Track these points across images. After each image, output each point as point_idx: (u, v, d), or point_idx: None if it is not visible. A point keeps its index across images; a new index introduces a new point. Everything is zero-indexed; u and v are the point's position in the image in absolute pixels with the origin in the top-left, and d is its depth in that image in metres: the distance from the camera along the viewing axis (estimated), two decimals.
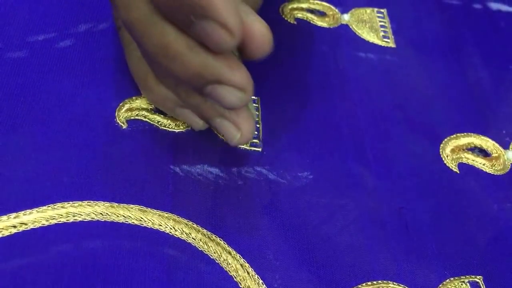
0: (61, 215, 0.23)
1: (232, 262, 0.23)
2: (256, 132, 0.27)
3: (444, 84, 0.33)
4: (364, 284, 0.24)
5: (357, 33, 0.34)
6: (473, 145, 0.30)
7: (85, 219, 0.23)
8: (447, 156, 0.29)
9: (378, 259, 0.24)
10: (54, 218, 0.23)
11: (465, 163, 0.29)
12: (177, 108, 0.25)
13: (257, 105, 0.28)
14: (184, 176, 0.25)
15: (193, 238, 0.23)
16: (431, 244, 0.25)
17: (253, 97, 0.28)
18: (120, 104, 0.27)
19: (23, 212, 0.22)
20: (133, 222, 0.23)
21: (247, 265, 0.23)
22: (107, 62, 0.28)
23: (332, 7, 0.35)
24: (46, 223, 0.22)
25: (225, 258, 0.23)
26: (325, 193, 0.26)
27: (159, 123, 0.27)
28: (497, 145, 0.30)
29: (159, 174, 0.25)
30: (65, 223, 0.23)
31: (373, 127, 0.29)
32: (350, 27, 0.34)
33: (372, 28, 0.35)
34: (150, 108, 0.27)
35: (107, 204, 0.23)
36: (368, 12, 0.36)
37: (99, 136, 0.25)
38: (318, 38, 0.33)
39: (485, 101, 0.32)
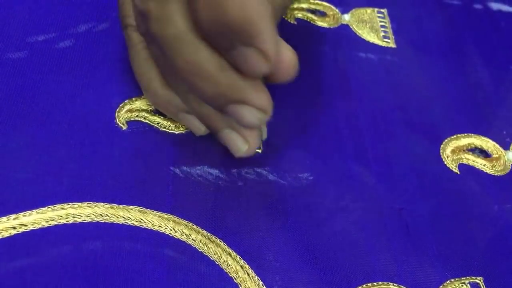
0: (61, 216, 0.23)
1: (232, 264, 0.23)
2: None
3: (444, 84, 0.33)
4: (364, 285, 0.24)
5: (357, 33, 0.34)
6: (473, 146, 0.30)
7: (85, 220, 0.23)
8: (447, 157, 0.29)
9: (378, 260, 0.24)
10: (53, 220, 0.22)
11: (465, 164, 0.29)
12: (180, 113, 0.25)
13: None
14: (184, 177, 0.25)
15: (193, 239, 0.23)
16: (432, 245, 0.25)
17: None
18: (120, 105, 0.27)
19: (22, 213, 0.22)
20: (133, 224, 0.23)
21: (247, 266, 0.23)
22: (107, 63, 0.28)
23: (333, 7, 0.35)
24: (46, 225, 0.22)
25: (225, 259, 0.23)
26: (325, 194, 0.26)
27: (159, 124, 0.27)
28: (497, 145, 0.30)
29: (159, 175, 0.25)
30: (65, 224, 0.23)
31: (373, 127, 0.29)
32: (351, 27, 0.34)
33: (372, 28, 0.35)
34: (150, 110, 0.27)
35: (107, 205, 0.23)
36: (368, 12, 0.36)
37: (99, 137, 0.25)
38: (319, 38, 0.33)
39: (485, 101, 0.32)
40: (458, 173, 0.28)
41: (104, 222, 0.23)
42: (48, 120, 0.25)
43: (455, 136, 0.30)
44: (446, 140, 0.30)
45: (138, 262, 0.22)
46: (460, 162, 0.29)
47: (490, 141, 0.30)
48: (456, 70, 0.34)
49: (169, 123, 0.27)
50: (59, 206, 0.23)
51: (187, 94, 0.24)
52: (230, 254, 0.23)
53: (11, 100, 0.26)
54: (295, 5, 0.34)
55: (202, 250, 0.23)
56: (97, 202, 0.23)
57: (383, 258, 0.24)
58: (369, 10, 0.36)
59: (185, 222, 0.24)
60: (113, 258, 0.22)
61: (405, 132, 0.29)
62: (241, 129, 0.24)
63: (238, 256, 0.23)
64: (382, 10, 0.36)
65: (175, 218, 0.24)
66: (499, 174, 0.29)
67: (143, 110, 0.27)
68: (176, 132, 0.27)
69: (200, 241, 0.23)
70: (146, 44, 0.24)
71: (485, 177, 0.29)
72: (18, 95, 0.26)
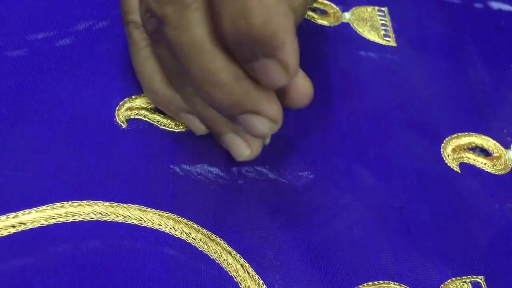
0: (60, 214, 0.23)
1: (232, 262, 0.23)
2: None
3: (445, 83, 0.33)
4: (365, 284, 0.24)
5: (358, 32, 0.34)
6: (474, 145, 0.30)
7: (84, 219, 0.23)
8: (448, 156, 0.29)
9: (379, 259, 0.24)
10: (53, 218, 0.22)
11: (466, 163, 0.29)
12: (180, 113, 0.25)
13: None
14: (184, 175, 0.25)
15: (193, 238, 0.23)
16: (433, 243, 0.25)
17: None
18: (120, 103, 0.27)
19: (22, 211, 0.22)
20: (133, 222, 0.23)
21: (247, 265, 0.23)
22: (107, 61, 0.28)
23: (333, 5, 0.35)
24: (45, 223, 0.22)
25: (225, 258, 0.23)
26: (325, 192, 0.26)
27: (159, 122, 0.26)
28: (498, 144, 0.30)
29: (159, 174, 0.25)
30: (64, 223, 0.22)
31: (374, 126, 0.29)
32: (351, 25, 0.34)
33: (373, 26, 0.35)
34: (150, 108, 0.27)
35: (107, 203, 0.23)
36: (369, 11, 0.35)
37: (98, 135, 0.25)
38: (319, 37, 0.33)
39: (486, 100, 0.32)
40: (459, 172, 0.28)
41: (104, 221, 0.23)
42: (47, 118, 0.25)
43: (455, 135, 0.30)
44: (447, 139, 0.30)
45: (137, 260, 0.22)
46: (461, 161, 0.29)
47: (491, 140, 0.30)
48: (456, 68, 0.33)
49: (169, 121, 0.27)
50: (58, 204, 0.23)
51: (193, 97, 0.23)
52: (230, 253, 0.23)
53: (10, 99, 0.26)
54: None
55: (202, 249, 0.23)
56: (96, 200, 0.23)
57: (383, 257, 0.24)
58: (369, 8, 0.36)
59: (185, 220, 0.24)
60: (112, 257, 0.22)
61: (406, 131, 0.29)
62: (245, 134, 0.24)
63: (238, 254, 0.23)
64: (383, 9, 0.36)
65: (175, 216, 0.24)
66: (499, 173, 0.29)
67: (143, 108, 0.27)
68: (176, 130, 0.26)
69: (200, 240, 0.23)
70: (151, 43, 0.24)
71: (486, 176, 0.29)
72: (17, 93, 0.26)
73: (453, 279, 0.24)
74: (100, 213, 0.23)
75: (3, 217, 0.22)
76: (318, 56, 0.32)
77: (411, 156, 0.28)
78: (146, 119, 0.26)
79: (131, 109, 0.27)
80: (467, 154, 0.29)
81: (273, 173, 0.26)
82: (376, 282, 0.24)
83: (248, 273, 0.23)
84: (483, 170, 0.29)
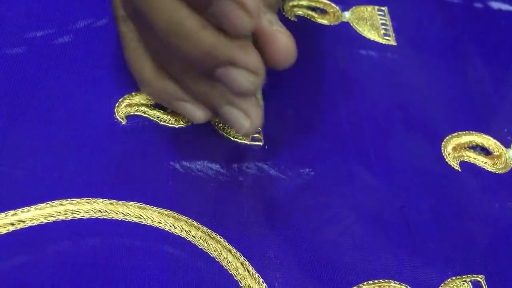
0: (60, 212, 0.22)
1: (232, 261, 0.23)
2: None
3: (445, 82, 0.33)
4: (365, 283, 0.23)
5: (358, 31, 0.34)
6: (474, 144, 0.30)
7: (83, 216, 0.23)
8: (448, 155, 0.29)
9: (379, 257, 0.24)
10: (52, 216, 0.22)
11: (466, 162, 0.29)
12: (174, 101, 0.25)
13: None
14: (184, 172, 0.25)
15: (193, 236, 0.23)
16: (433, 243, 0.25)
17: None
18: (120, 100, 0.27)
19: (21, 209, 0.22)
20: (133, 220, 0.23)
21: (247, 263, 0.23)
22: (106, 58, 0.28)
23: (333, 4, 0.35)
24: (45, 221, 0.22)
25: (225, 256, 0.23)
26: (326, 191, 0.26)
27: (159, 118, 0.26)
28: (498, 143, 0.30)
29: (159, 171, 0.25)
30: (63, 220, 0.22)
31: (374, 125, 0.29)
32: (351, 24, 0.34)
33: (373, 26, 0.34)
34: (150, 104, 0.27)
35: (106, 201, 0.23)
36: (369, 10, 0.35)
37: (98, 132, 0.25)
38: (319, 36, 0.33)
39: (486, 99, 0.32)
40: (459, 170, 0.28)
41: (103, 218, 0.23)
42: (47, 115, 0.25)
43: (456, 134, 0.30)
44: (447, 138, 0.29)
45: (137, 258, 0.22)
46: (461, 159, 0.29)
47: (491, 139, 0.30)
48: (456, 68, 0.33)
49: (169, 117, 0.26)
50: (57, 202, 0.23)
51: (182, 75, 0.23)
52: (230, 251, 0.23)
53: (9, 96, 0.26)
54: (296, 2, 0.34)
55: (202, 247, 0.23)
56: (96, 198, 0.23)
57: (384, 255, 0.24)
58: (369, 8, 0.36)
59: (185, 218, 0.23)
60: (112, 255, 0.22)
61: (406, 130, 0.29)
62: (241, 104, 0.23)
63: (238, 252, 0.23)
64: (383, 8, 0.36)
65: (175, 214, 0.23)
66: (500, 172, 0.29)
67: (142, 105, 0.27)
68: (176, 126, 0.26)
69: (200, 238, 0.23)
70: (136, 28, 0.24)
71: (486, 175, 0.29)
72: (16, 91, 0.26)
73: (453, 278, 0.24)
74: (100, 210, 0.23)
75: (2, 215, 0.22)
76: (318, 55, 0.32)
77: (411, 155, 0.28)
78: (146, 115, 0.26)
79: (130, 105, 0.26)
80: (468, 153, 0.29)
81: (274, 170, 0.26)
82: (376, 281, 0.24)
83: (248, 271, 0.23)
84: (484, 169, 0.29)
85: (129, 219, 0.23)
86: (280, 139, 0.27)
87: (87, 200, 0.23)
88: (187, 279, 0.22)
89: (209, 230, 0.23)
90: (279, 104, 0.29)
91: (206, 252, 0.23)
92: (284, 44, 0.22)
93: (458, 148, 0.29)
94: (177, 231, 0.23)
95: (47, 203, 0.23)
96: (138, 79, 0.25)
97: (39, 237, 0.22)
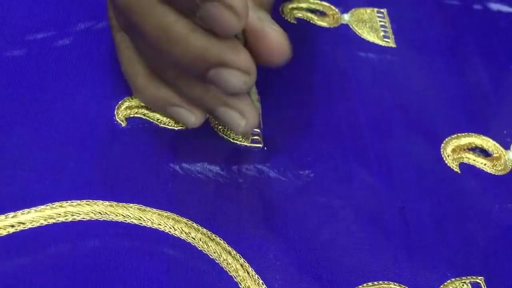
0: (60, 214, 0.23)
1: (232, 262, 0.23)
2: (257, 130, 0.27)
3: (444, 84, 0.33)
4: (365, 284, 0.23)
5: (357, 33, 0.34)
6: (474, 145, 0.30)
7: (83, 218, 0.23)
8: (448, 156, 0.29)
9: (379, 259, 0.24)
10: (52, 218, 0.22)
11: (466, 163, 0.29)
12: (168, 107, 0.25)
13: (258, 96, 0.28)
14: (184, 174, 0.25)
15: (192, 238, 0.23)
16: (432, 244, 0.25)
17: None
18: (120, 102, 0.27)
19: (21, 211, 0.22)
20: (132, 222, 0.23)
21: (247, 265, 0.23)
22: (106, 61, 0.28)
23: (332, 7, 0.35)
24: (45, 223, 0.22)
25: (225, 258, 0.23)
26: (326, 192, 0.26)
27: (159, 120, 0.26)
28: (498, 145, 0.30)
29: (159, 173, 0.25)
30: (63, 222, 0.22)
31: (374, 126, 0.29)
32: (350, 27, 0.34)
33: (372, 28, 0.35)
34: None
35: (106, 203, 0.23)
36: (368, 12, 0.36)
37: (98, 134, 0.25)
38: (318, 38, 0.33)
39: (485, 101, 0.32)
40: (459, 172, 0.28)
41: (103, 220, 0.23)
42: (47, 117, 0.25)
43: (455, 135, 0.30)
44: (446, 139, 0.30)
45: (137, 260, 0.22)
46: (461, 161, 0.29)
47: (491, 140, 0.30)
48: (456, 69, 0.33)
49: (168, 119, 0.27)
50: (57, 204, 0.23)
51: (176, 80, 0.23)
52: (230, 253, 0.23)
53: (9, 99, 0.26)
54: (295, 5, 0.34)
55: (201, 249, 0.23)
56: (96, 200, 0.23)
57: (383, 257, 0.24)
58: (368, 10, 0.36)
59: (185, 220, 0.23)
60: (112, 257, 0.22)
61: (405, 131, 0.29)
62: (236, 105, 0.23)
63: (238, 254, 0.23)
64: (382, 10, 0.36)
65: (174, 216, 0.23)
66: (499, 173, 0.29)
67: (142, 107, 0.27)
68: (176, 128, 0.26)
69: (200, 239, 0.23)
70: (130, 39, 0.24)
71: (486, 176, 0.29)
72: (16, 93, 0.26)
73: (453, 279, 0.24)
74: (100, 212, 0.23)
75: (2, 216, 0.22)
76: (317, 57, 0.32)
77: (411, 156, 0.28)
78: (145, 117, 0.26)
79: (130, 107, 0.26)
80: (467, 155, 0.29)
81: (273, 172, 0.26)
82: (376, 283, 0.24)
83: (248, 273, 0.23)
84: (483, 170, 0.29)
85: (129, 221, 0.23)
86: (280, 141, 0.27)
87: (87, 202, 0.23)
88: (186, 280, 0.22)
89: (209, 232, 0.23)
90: (279, 106, 0.29)
91: (206, 254, 0.23)
92: (275, 39, 0.22)
93: (457, 149, 0.29)
94: (177, 233, 0.23)
95: (47, 205, 0.23)
96: (132, 86, 0.26)
97: (39, 239, 0.22)
